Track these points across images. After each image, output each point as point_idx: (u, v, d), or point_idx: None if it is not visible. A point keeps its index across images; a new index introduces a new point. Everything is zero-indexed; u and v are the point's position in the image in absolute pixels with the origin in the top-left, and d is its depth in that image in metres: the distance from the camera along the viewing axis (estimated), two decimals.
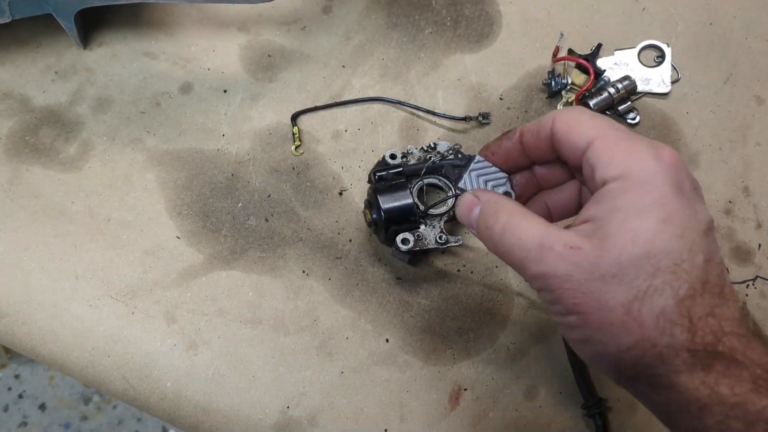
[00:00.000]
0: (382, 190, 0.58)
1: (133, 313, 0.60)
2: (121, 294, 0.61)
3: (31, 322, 0.60)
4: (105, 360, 0.59)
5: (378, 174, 0.59)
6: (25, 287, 0.60)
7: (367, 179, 0.61)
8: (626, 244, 0.37)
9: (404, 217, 0.57)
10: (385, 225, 0.57)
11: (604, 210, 0.39)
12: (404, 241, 0.57)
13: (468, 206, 0.46)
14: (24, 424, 1.83)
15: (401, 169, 0.59)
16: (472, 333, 0.61)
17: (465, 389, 0.59)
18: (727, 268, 0.43)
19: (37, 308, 0.60)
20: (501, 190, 0.51)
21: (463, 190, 0.52)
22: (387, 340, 0.60)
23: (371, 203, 0.58)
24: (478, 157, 0.52)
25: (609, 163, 0.39)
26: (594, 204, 0.40)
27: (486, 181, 0.52)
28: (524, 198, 0.51)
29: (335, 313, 0.61)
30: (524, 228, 0.41)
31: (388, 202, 0.57)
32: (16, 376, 1.87)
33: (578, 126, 0.42)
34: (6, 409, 1.84)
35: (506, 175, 0.51)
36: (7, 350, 1.74)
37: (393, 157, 0.60)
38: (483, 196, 0.46)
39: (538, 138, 0.45)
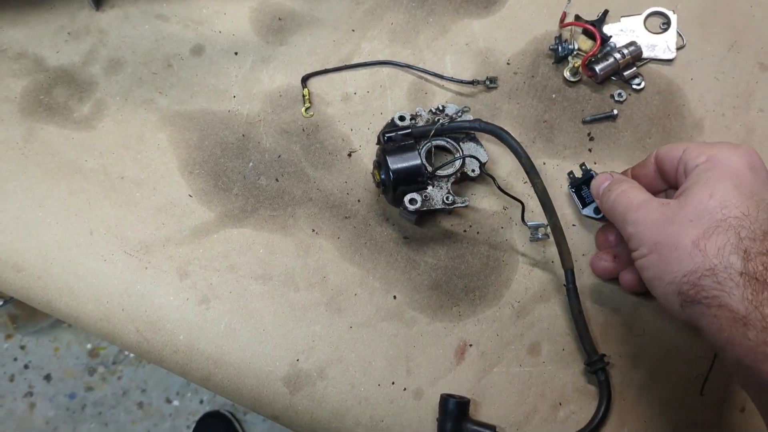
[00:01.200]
0: (390, 150, 0.59)
1: (146, 268, 0.62)
2: (134, 249, 0.62)
3: (46, 277, 0.61)
4: (119, 313, 0.61)
5: (387, 135, 0.60)
6: (40, 242, 0.62)
7: (375, 141, 0.62)
8: (703, 198, 0.47)
9: (412, 178, 0.58)
10: (394, 185, 0.58)
11: (691, 182, 0.50)
12: (412, 201, 0.58)
13: (602, 180, 0.58)
14: (29, 394, 1.85)
15: (410, 130, 0.60)
16: (477, 291, 0.62)
17: (470, 345, 0.61)
18: None
19: (52, 263, 0.61)
20: None
21: (472, 156, 0.59)
22: (394, 297, 0.62)
23: (380, 164, 0.60)
24: (594, 174, 0.63)
25: (698, 155, 0.51)
26: (686, 181, 0.51)
27: None
28: None
29: (344, 271, 0.62)
30: (634, 194, 0.53)
31: (396, 163, 0.58)
32: (22, 347, 1.89)
33: (674, 146, 0.54)
34: (12, 380, 1.86)
35: None
36: (13, 320, 1.76)
37: (402, 119, 0.61)
38: (616, 176, 0.58)
39: (648, 166, 0.57)
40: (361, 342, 0.60)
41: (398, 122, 0.61)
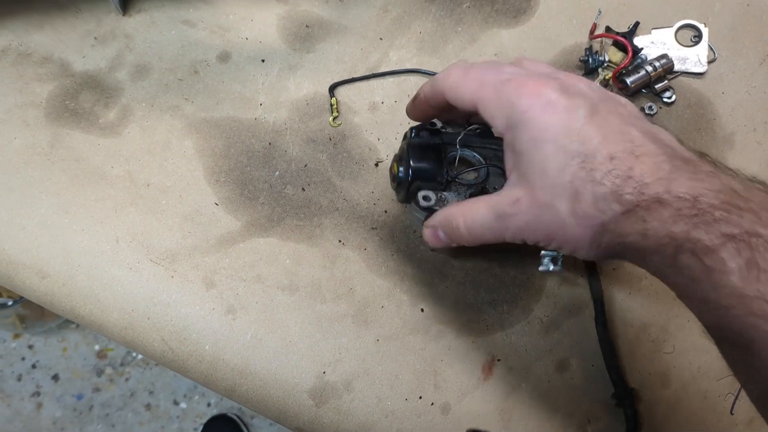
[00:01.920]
0: (415, 145, 0.55)
1: (172, 277, 0.61)
2: (160, 258, 0.61)
3: (71, 284, 0.61)
4: (144, 322, 0.60)
5: (415, 130, 0.56)
6: (65, 249, 0.61)
7: (402, 137, 0.60)
8: (543, 174, 0.44)
9: (431, 176, 0.54)
10: (411, 180, 0.54)
11: (515, 158, 0.46)
12: (426, 197, 0.53)
13: (433, 237, 0.53)
14: (37, 393, 1.85)
15: (440, 130, 0.57)
16: (506, 305, 0.61)
17: (498, 360, 0.60)
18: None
19: (77, 270, 0.61)
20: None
21: (497, 166, 0.54)
22: (422, 310, 0.61)
23: (401, 158, 0.55)
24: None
25: (494, 120, 0.47)
26: (509, 155, 0.47)
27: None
28: None
29: (371, 283, 0.62)
30: (475, 215, 0.48)
31: (417, 158, 0.54)
32: (30, 347, 1.89)
33: (460, 93, 0.48)
34: (19, 379, 1.86)
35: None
36: (22, 320, 1.76)
37: (433, 124, 0.60)
38: (434, 222, 0.53)
39: (438, 101, 0.52)
40: (388, 355, 0.60)
41: (429, 126, 0.58)
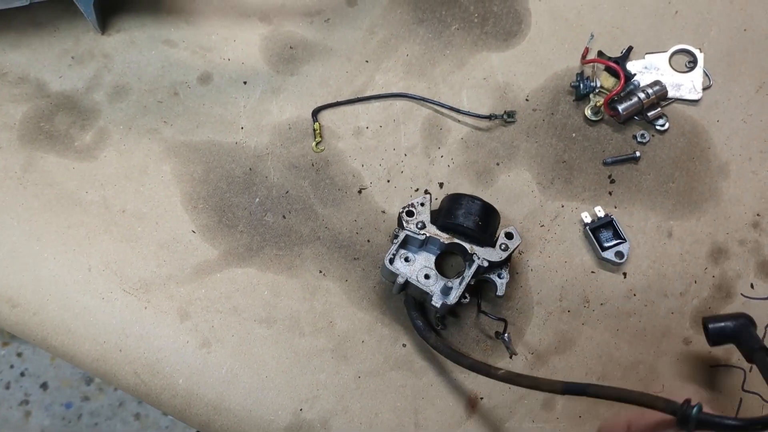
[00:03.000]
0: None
1: (145, 308, 0.59)
2: (134, 288, 0.59)
3: (42, 313, 0.59)
4: (116, 354, 0.58)
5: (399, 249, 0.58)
6: (37, 277, 0.59)
7: (397, 221, 0.60)
8: None
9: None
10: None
11: None
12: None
13: None
14: (25, 402, 1.82)
15: (425, 237, 0.57)
16: (489, 341, 0.59)
17: (481, 398, 0.58)
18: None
19: (48, 299, 0.59)
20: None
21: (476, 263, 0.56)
22: (404, 345, 0.59)
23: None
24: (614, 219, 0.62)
25: None
26: None
27: None
28: None
29: (352, 316, 0.60)
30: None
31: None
32: (19, 354, 1.87)
33: None
34: (8, 387, 1.84)
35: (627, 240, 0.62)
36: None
37: (410, 214, 0.58)
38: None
39: None
40: (367, 392, 0.58)
41: (406, 218, 0.57)
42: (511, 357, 0.58)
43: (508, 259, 0.57)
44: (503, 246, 0.57)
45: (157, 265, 0.60)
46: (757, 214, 0.64)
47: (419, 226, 0.57)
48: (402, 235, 0.57)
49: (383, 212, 0.63)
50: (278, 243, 0.62)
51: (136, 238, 0.61)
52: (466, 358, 0.57)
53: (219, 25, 0.68)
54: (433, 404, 0.58)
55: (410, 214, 0.58)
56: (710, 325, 0.53)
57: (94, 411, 1.82)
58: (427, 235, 0.57)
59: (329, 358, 0.58)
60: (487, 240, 0.57)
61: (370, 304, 0.60)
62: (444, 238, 0.57)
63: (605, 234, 0.62)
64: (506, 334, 0.57)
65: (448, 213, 0.57)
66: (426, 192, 0.63)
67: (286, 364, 0.58)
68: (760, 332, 0.59)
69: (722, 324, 0.53)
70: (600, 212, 0.62)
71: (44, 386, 1.84)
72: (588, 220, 0.62)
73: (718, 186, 0.65)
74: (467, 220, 0.56)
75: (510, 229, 0.57)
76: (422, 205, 0.58)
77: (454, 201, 0.58)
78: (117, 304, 0.59)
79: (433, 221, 0.58)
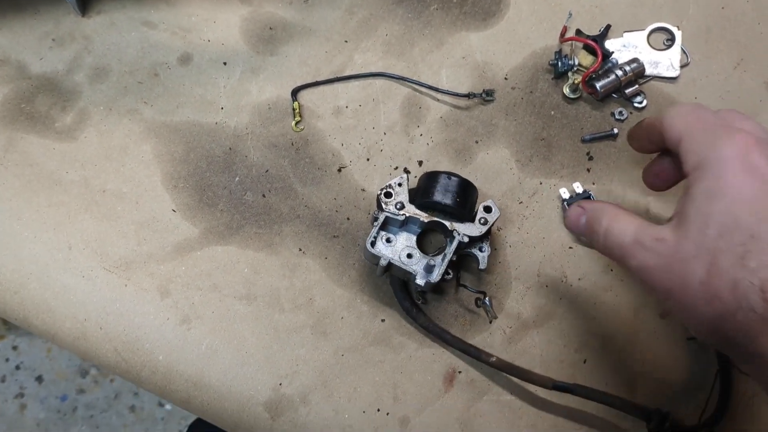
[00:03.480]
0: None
1: (126, 286, 0.59)
2: (114, 266, 0.60)
3: (23, 292, 0.59)
4: (97, 332, 0.59)
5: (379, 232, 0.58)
6: (17, 257, 0.60)
7: (375, 202, 0.60)
8: (701, 228, 0.40)
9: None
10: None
11: (685, 200, 0.43)
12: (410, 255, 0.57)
13: (576, 216, 0.51)
14: (21, 395, 1.83)
15: (404, 216, 0.57)
16: (468, 316, 0.60)
17: (459, 372, 0.58)
18: None
19: (29, 278, 0.59)
20: None
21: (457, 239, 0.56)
22: (383, 321, 0.59)
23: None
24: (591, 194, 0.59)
25: (689, 156, 0.43)
26: (682, 197, 0.44)
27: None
28: (664, 183, 0.54)
29: (331, 293, 0.60)
30: (621, 227, 0.46)
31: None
32: (14, 348, 1.87)
33: (674, 124, 0.46)
34: (3, 380, 1.84)
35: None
36: (5, 321, 1.75)
37: (388, 195, 0.58)
38: (587, 206, 0.50)
39: (656, 132, 0.48)
40: (346, 367, 0.58)
41: (385, 199, 0.58)
42: (491, 322, 0.59)
43: (488, 232, 0.58)
44: (482, 220, 0.57)
45: (137, 244, 0.61)
46: None
47: (398, 206, 0.57)
48: (382, 217, 0.57)
49: (363, 190, 0.63)
50: (258, 221, 0.62)
51: (116, 217, 0.61)
52: (458, 341, 0.58)
53: (199, 7, 0.68)
54: (411, 378, 0.58)
55: (388, 195, 0.58)
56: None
57: (90, 403, 1.82)
58: (407, 215, 0.57)
59: (309, 334, 0.59)
60: (466, 215, 0.57)
61: (350, 281, 0.61)
62: (423, 216, 0.57)
63: None
64: (487, 298, 0.57)
65: (425, 191, 0.58)
66: (405, 170, 0.64)
67: (266, 340, 0.59)
68: None
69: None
70: (578, 188, 0.63)
71: (39, 379, 1.85)
72: (566, 195, 0.62)
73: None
74: (445, 197, 0.57)
75: (488, 203, 0.58)
76: (400, 185, 0.58)
77: (431, 179, 0.58)
78: (97, 282, 0.60)
79: (411, 200, 0.58)
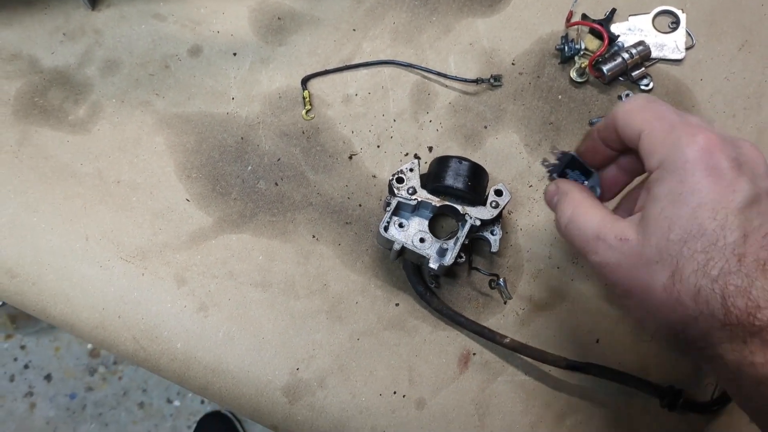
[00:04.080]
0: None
1: (143, 275, 0.60)
2: (131, 255, 0.61)
3: (41, 283, 0.60)
4: (115, 321, 0.59)
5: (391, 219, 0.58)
6: (35, 248, 0.60)
7: (387, 189, 0.60)
8: (664, 232, 0.39)
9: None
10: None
11: (648, 199, 0.41)
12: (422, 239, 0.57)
13: (550, 195, 0.50)
14: (30, 394, 1.84)
15: (416, 201, 0.58)
16: (481, 299, 0.61)
17: (474, 354, 0.59)
18: None
19: (47, 269, 0.60)
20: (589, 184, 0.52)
21: (469, 222, 0.57)
22: (397, 305, 0.60)
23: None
24: (574, 154, 0.53)
25: (651, 154, 0.42)
26: (644, 193, 0.43)
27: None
28: (617, 190, 0.52)
29: (345, 278, 0.61)
30: (585, 220, 0.45)
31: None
32: (22, 347, 1.88)
33: (631, 119, 0.44)
34: (12, 380, 1.85)
35: (594, 173, 0.52)
36: (13, 320, 1.75)
37: (400, 180, 0.58)
38: (561, 186, 0.49)
39: (611, 133, 0.46)
40: (362, 351, 0.59)
41: (397, 185, 0.58)
42: (505, 302, 0.60)
43: (500, 215, 0.58)
44: (494, 203, 0.58)
45: (153, 233, 0.61)
46: None
47: (410, 191, 0.58)
48: (394, 202, 0.58)
49: (374, 177, 0.64)
50: (271, 209, 0.63)
51: (131, 208, 0.62)
52: (472, 323, 0.58)
53: None
54: (426, 361, 0.59)
55: (400, 180, 0.58)
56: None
57: (99, 401, 1.83)
58: (419, 199, 0.58)
59: (324, 320, 0.60)
60: (478, 199, 0.58)
61: (363, 266, 0.61)
62: (435, 201, 0.58)
63: (572, 175, 0.55)
64: (502, 279, 0.58)
65: (437, 176, 0.58)
66: (416, 156, 0.64)
67: (282, 326, 0.59)
68: None
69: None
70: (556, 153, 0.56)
71: (48, 378, 1.86)
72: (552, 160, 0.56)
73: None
74: (456, 181, 0.57)
75: (499, 186, 0.58)
76: (411, 170, 0.59)
77: (442, 163, 0.59)
78: (114, 271, 0.60)
79: (423, 185, 0.58)
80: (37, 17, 0.68)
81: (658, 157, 0.41)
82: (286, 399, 0.58)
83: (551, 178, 0.54)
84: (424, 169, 0.61)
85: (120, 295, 0.60)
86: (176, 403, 1.83)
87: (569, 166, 0.54)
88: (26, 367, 1.87)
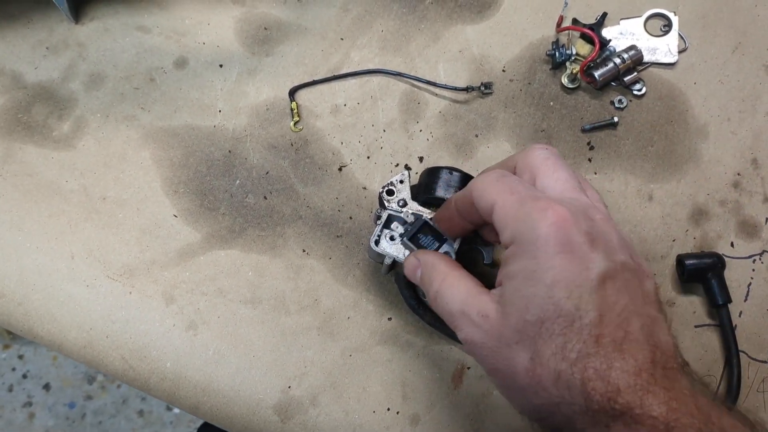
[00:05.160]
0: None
1: (130, 293, 0.59)
2: (118, 274, 0.60)
3: (27, 303, 0.59)
4: (103, 340, 0.58)
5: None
6: (20, 267, 0.59)
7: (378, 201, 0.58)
8: (521, 312, 0.39)
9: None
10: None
11: (504, 275, 0.41)
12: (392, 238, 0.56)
13: (412, 268, 0.50)
14: (29, 404, 1.83)
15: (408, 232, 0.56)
16: None
17: (468, 368, 0.58)
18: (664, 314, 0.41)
19: (33, 289, 0.59)
20: (443, 248, 0.53)
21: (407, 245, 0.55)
22: (389, 319, 0.59)
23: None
24: (427, 220, 0.54)
25: (504, 228, 0.41)
26: (502, 267, 0.42)
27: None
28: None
29: (336, 293, 0.60)
30: (451, 294, 0.44)
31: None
32: (20, 356, 1.87)
33: (484, 192, 0.44)
34: (10, 389, 1.84)
35: (448, 239, 0.53)
36: (10, 331, 1.74)
37: (390, 192, 0.57)
38: (422, 258, 0.49)
39: (467, 204, 0.46)
40: (355, 367, 0.58)
41: (387, 197, 0.57)
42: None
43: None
44: None
45: (140, 251, 0.60)
46: (737, 174, 0.64)
47: (400, 204, 0.57)
48: (384, 215, 0.56)
49: (364, 188, 0.63)
50: (260, 224, 0.62)
51: (117, 225, 0.61)
52: None
53: (192, 9, 0.68)
54: (420, 376, 0.58)
55: (390, 192, 0.57)
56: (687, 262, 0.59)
57: (98, 409, 1.83)
58: (410, 212, 0.57)
59: (316, 336, 0.59)
60: None
61: (355, 280, 0.60)
62: (426, 213, 0.56)
63: (425, 240, 0.56)
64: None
65: (427, 187, 0.57)
66: (406, 167, 0.64)
67: (273, 342, 0.58)
68: (742, 291, 0.60)
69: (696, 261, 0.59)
70: (408, 216, 0.57)
71: (47, 387, 1.85)
72: (398, 230, 0.57)
73: (698, 147, 0.65)
74: (447, 192, 0.56)
75: None
76: (401, 182, 0.57)
77: (432, 175, 0.57)
78: (101, 290, 0.59)
79: (414, 197, 0.57)
80: (20, 31, 0.67)
81: (510, 232, 0.41)
82: (278, 417, 0.57)
83: (402, 243, 0.54)
84: (415, 180, 0.60)
85: (107, 314, 0.59)
86: (176, 410, 1.83)
87: (422, 231, 0.54)
88: (24, 376, 1.86)
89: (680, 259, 0.60)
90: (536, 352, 0.38)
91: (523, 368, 0.38)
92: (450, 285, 0.45)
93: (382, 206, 0.57)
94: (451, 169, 0.57)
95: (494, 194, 0.43)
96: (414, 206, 0.57)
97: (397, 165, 0.64)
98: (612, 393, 0.36)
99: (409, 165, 0.64)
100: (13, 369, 1.87)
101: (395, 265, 0.56)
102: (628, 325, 0.37)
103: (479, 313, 0.41)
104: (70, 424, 1.83)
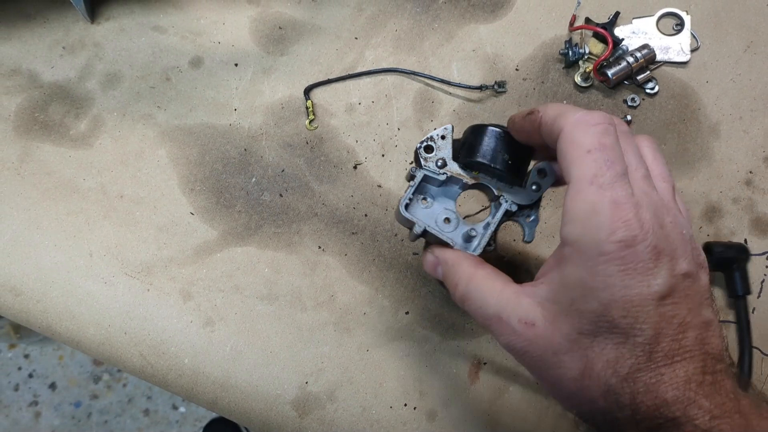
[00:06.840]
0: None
1: (148, 290, 0.60)
2: (135, 271, 0.60)
3: (46, 300, 0.59)
4: (121, 337, 0.59)
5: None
6: (38, 265, 0.60)
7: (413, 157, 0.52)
8: (574, 326, 0.38)
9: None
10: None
11: (557, 280, 0.39)
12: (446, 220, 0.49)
13: (432, 266, 0.47)
14: (35, 403, 1.84)
15: (446, 176, 0.49)
16: None
17: (484, 363, 0.59)
18: (722, 332, 0.39)
19: (51, 286, 0.60)
20: (473, 244, 0.47)
21: (504, 206, 0.48)
22: (406, 313, 0.60)
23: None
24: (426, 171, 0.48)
25: (571, 220, 0.38)
26: (552, 265, 0.40)
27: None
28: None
29: (352, 289, 0.60)
30: (482, 297, 0.42)
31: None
32: (26, 356, 1.88)
33: (553, 129, 0.41)
34: (17, 389, 1.85)
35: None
36: (17, 330, 1.75)
37: (428, 149, 0.49)
38: (440, 255, 0.46)
39: (545, 135, 0.43)
40: (371, 363, 0.58)
41: (425, 154, 0.49)
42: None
43: (539, 200, 0.49)
44: (535, 186, 0.48)
45: (157, 248, 0.61)
46: (750, 172, 0.64)
47: (439, 164, 0.48)
48: (420, 176, 0.48)
49: (379, 186, 0.63)
50: (276, 221, 0.62)
51: (135, 223, 0.62)
52: None
53: (207, 9, 0.68)
54: (436, 371, 0.58)
55: (429, 149, 0.48)
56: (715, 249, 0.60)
57: (104, 409, 1.83)
58: (449, 174, 0.49)
59: (332, 332, 0.59)
60: (517, 181, 0.48)
61: (371, 276, 0.61)
62: (467, 178, 0.48)
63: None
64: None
65: (471, 149, 0.47)
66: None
67: (290, 339, 0.59)
68: (755, 288, 0.60)
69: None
70: (437, 135, 0.50)
71: (53, 386, 1.85)
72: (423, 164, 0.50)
73: (710, 146, 0.65)
74: (495, 158, 0.46)
75: (542, 165, 0.48)
76: (443, 138, 0.49)
77: (479, 134, 0.48)
78: (120, 287, 0.60)
79: (454, 157, 0.49)
80: (37, 31, 0.67)
81: (575, 232, 0.37)
82: (296, 413, 0.57)
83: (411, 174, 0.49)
84: (457, 135, 0.51)
85: (125, 311, 0.59)
86: (182, 409, 1.83)
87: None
88: (30, 376, 1.87)
89: (708, 246, 0.60)
90: (587, 365, 0.37)
91: (571, 378, 0.38)
92: (479, 286, 0.42)
93: (418, 164, 0.49)
94: (503, 130, 0.47)
95: (585, 164, 0.38)
96: (455, 168, 0.49)
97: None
98: (660, 405, 0.36)
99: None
100: (19, 368, 1.88)
101: (425, 234, 0.48)
102: (683, 338, 0.37)
103: (521, 320, 0.40)
104: (76, 423, 1.83)
